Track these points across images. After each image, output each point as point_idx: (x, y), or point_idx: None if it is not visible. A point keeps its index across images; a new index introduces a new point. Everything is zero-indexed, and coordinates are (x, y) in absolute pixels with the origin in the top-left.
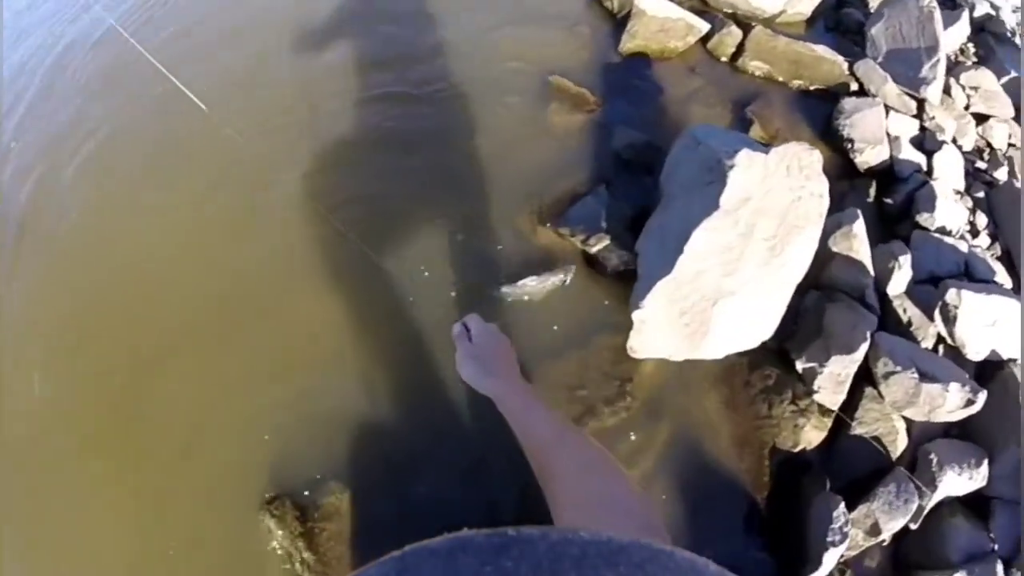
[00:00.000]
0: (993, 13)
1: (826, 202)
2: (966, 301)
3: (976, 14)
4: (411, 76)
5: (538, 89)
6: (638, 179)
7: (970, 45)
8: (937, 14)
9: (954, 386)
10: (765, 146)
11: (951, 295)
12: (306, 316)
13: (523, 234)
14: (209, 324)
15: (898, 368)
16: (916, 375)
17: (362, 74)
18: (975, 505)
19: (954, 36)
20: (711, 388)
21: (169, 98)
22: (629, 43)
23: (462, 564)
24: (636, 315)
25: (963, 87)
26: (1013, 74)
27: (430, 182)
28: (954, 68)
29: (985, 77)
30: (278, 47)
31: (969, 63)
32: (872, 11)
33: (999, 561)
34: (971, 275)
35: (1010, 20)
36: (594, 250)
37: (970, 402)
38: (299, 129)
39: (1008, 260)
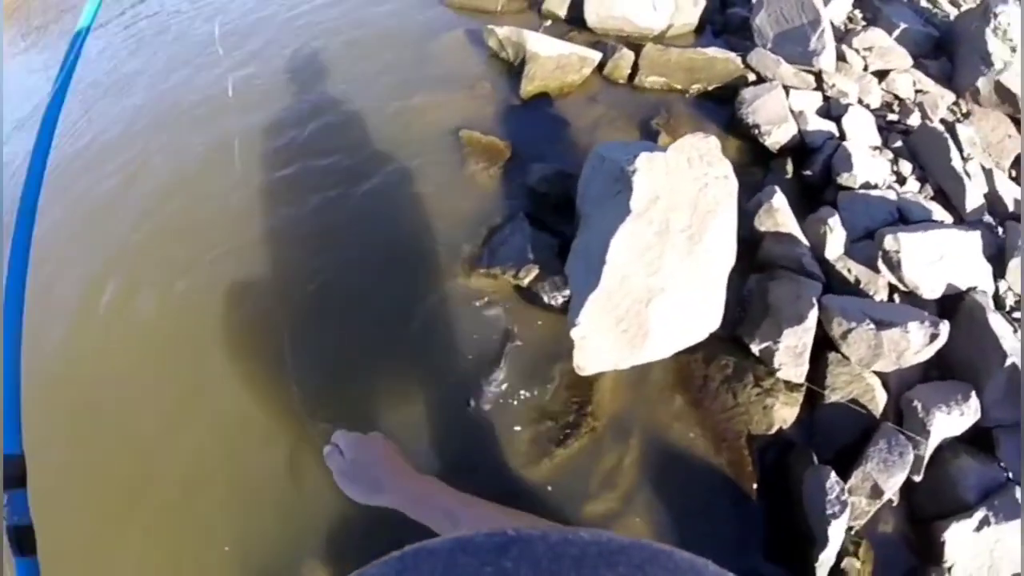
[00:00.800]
0: None
1: (733, 182)
2: (905, 243)
3: None
4: (329, 146)
5: (452, 145)
6: (558, 208)
7: (856, 11)
8: None
9: (913, 325)
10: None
11: (888, 241)
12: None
13: (458, 282)
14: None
15: (853, 324)
16: (872, 326)
17: (284, 151)
18: (977, 440)
19: (838, 7)
20: (671, 391)
21: None
22: (528, 86)
23: (462, 564)
24: (574, 332)
25: (857, 50)
26: (903, 26)
27: (365, 245)
28: (846, 36)
29: (877, 36)
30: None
31: (859, 28)
32: (753, 4)
33: (1017, 488)
34: (906, 220)
35: None
36: (526, 282)
37: (934, 336)
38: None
39: (944, 198)
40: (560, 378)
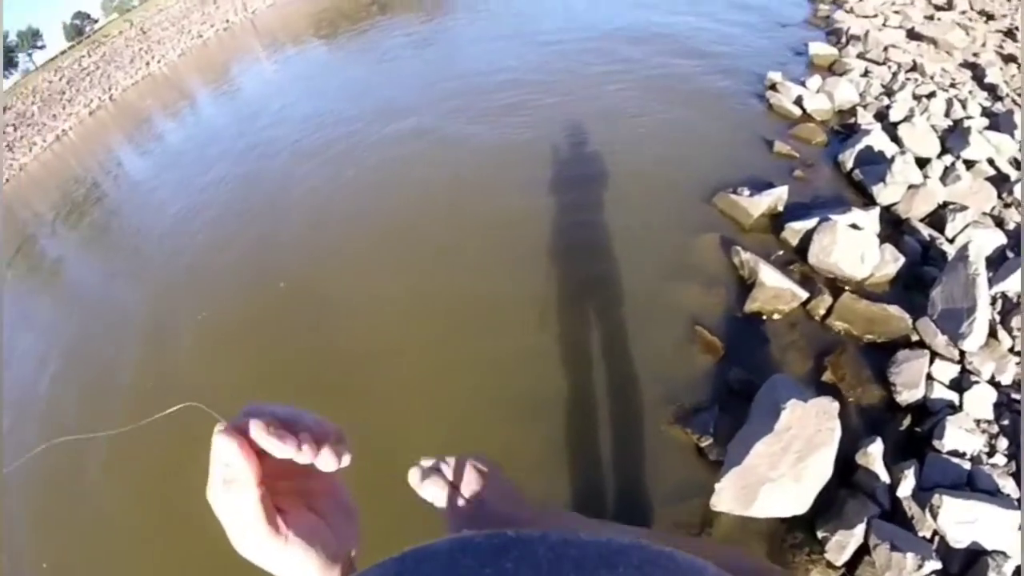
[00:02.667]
0: None
1: (838, 432)
2: (946, 503)
3: None
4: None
5: (682, 331)
6: (740, 403)
7: None
8: (980, 279)
9: (910, 554)
10: (825, 389)
11: (935, 498)
12: None
13: (660, 428)
14: None
15: (879, 541)
16: (889, 546)
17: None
18: None
19: (1016, 280)
20: (760, 538)
21: None
22: (751, 305)
23: (462, 566)
24: (718, 485)
25: (1011, 330)
26: None
27: (593, 403)
28: (1013, 310)
29: None
30: None
31: None
32: (941, 272)
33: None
34: (973, 486)
35: None
36: (703, 446)
37: (920, 567)
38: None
39: (1018, 479)
40: (693, 507)
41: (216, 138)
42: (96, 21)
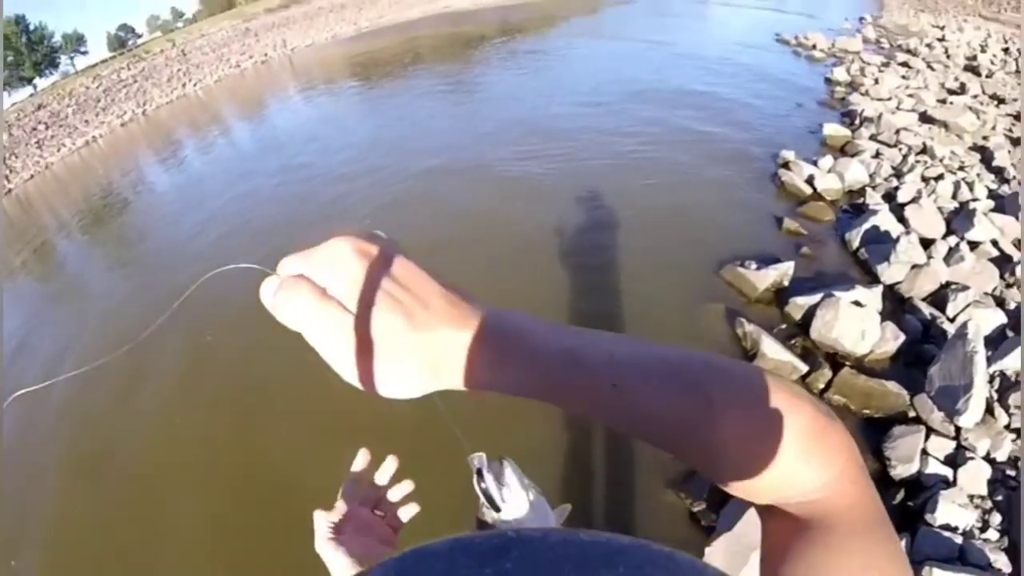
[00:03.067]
0: None
1: None
2: (935, 573)
3: None
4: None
5: None
6: None
7: None
8: (978, 357)
9: None
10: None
11: (926, 571)
12: None
13: (654, 495)
14: None
15: None
16: None
17: None
18: None
19: (1015, 358)
20: None
21: None
22: None
23: (462, 566)
24: (708, 549)
25: (1007, 407)
26: None
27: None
28: (1011, 387)
29: None
30: None
31: None
32: (940, 350)
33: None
34: (964, 560)
35: None
36: (696, 511)
37: None
38: None
39: (1014, 552)
40: None
41: (238, 165)
42: (140, 36)
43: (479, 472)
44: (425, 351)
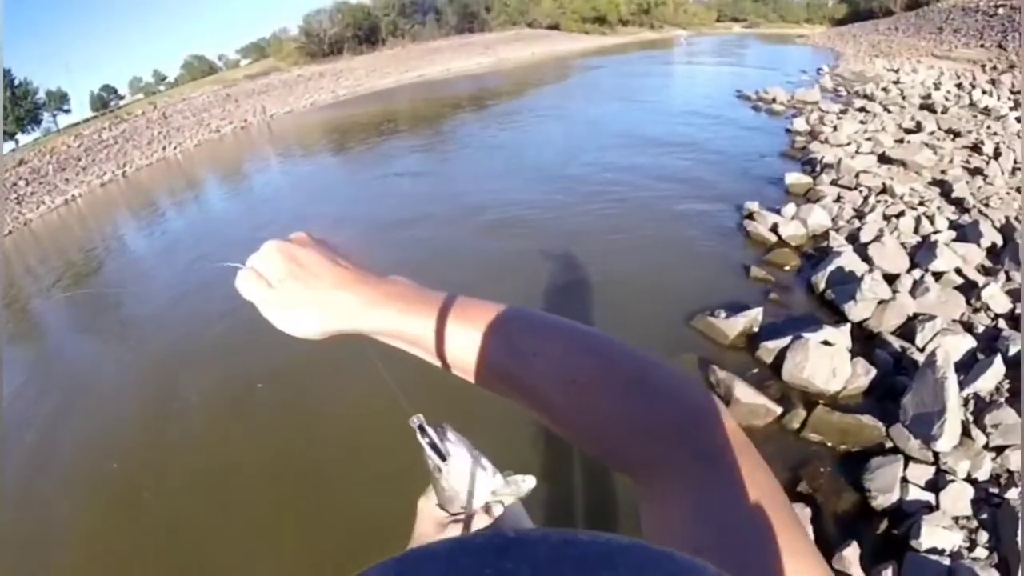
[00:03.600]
0: None
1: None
2: None
3: (1010, 352)
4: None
5: None
6: None
7: (1005, 381)
8: (949, 382)
9: None
10: (802, 499)
11: None
12: None
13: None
14: None
15: None
16: None
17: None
18: None
19: (987, 380)
20: None
21: None
22: None
23: (462, 566)
24: None
25: (984, 427)
26: None
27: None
28: (987, 407)
29: (1008, 414)
30: None
31: (1002, 399)
32: (911, 381)
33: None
34: None
35: None
36: None
37: None
38: None
39: (1005, 567)
40: None
41: (213, 230)
42: (123, 97)
43: (421, 428)
44: (317, 304)
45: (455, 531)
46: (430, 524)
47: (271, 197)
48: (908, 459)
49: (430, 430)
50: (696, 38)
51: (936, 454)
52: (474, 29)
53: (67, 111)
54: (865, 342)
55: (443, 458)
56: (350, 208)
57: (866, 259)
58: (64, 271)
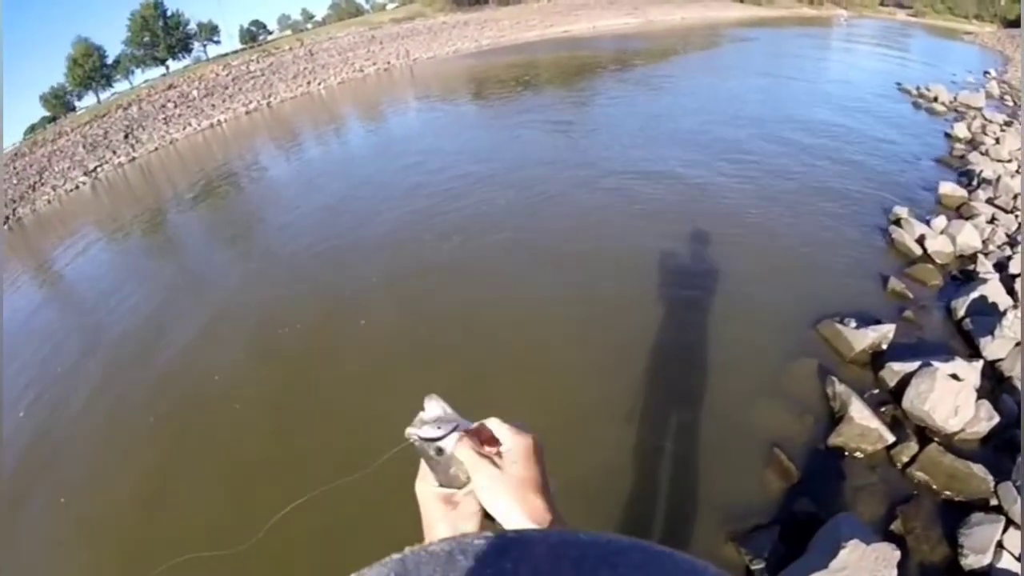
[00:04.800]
0: None
1: None
2: None
3: None
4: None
5: (761, 452)
6: (800, 534)
7: None
8: None
9: None
10: (891, 537)
11: None
12: None
13: (712, 546)
14: None
15: None
16: None
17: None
18: None
19: None
20: None
21: None
22: (835, 438)
23: (462, 566)
24: None
25: None
26: None
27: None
28: None
29: None
30: None
31: None
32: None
33: None
34: None
35: None
36: (754, 568)
37: None
38: None
39: None
40: None
41: (349, 163)
42: (271, 33)
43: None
44: (501, 491)
45: (468, 506)
46: (437, 506)
47: (408, 136)
48: (1009, 522)
49: (427, 434)
50: (857, 20)
51: None
52: None
53: (217, 42)
54: (994, 384)
55: (441, 452)
56: (483, 152)
57: (1011, 293)
58: (203, 185)
